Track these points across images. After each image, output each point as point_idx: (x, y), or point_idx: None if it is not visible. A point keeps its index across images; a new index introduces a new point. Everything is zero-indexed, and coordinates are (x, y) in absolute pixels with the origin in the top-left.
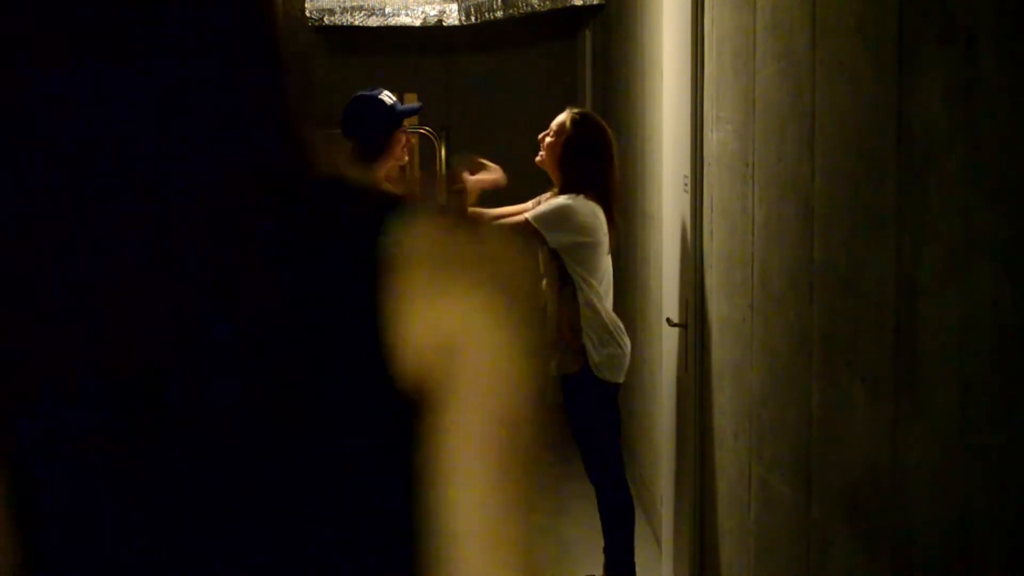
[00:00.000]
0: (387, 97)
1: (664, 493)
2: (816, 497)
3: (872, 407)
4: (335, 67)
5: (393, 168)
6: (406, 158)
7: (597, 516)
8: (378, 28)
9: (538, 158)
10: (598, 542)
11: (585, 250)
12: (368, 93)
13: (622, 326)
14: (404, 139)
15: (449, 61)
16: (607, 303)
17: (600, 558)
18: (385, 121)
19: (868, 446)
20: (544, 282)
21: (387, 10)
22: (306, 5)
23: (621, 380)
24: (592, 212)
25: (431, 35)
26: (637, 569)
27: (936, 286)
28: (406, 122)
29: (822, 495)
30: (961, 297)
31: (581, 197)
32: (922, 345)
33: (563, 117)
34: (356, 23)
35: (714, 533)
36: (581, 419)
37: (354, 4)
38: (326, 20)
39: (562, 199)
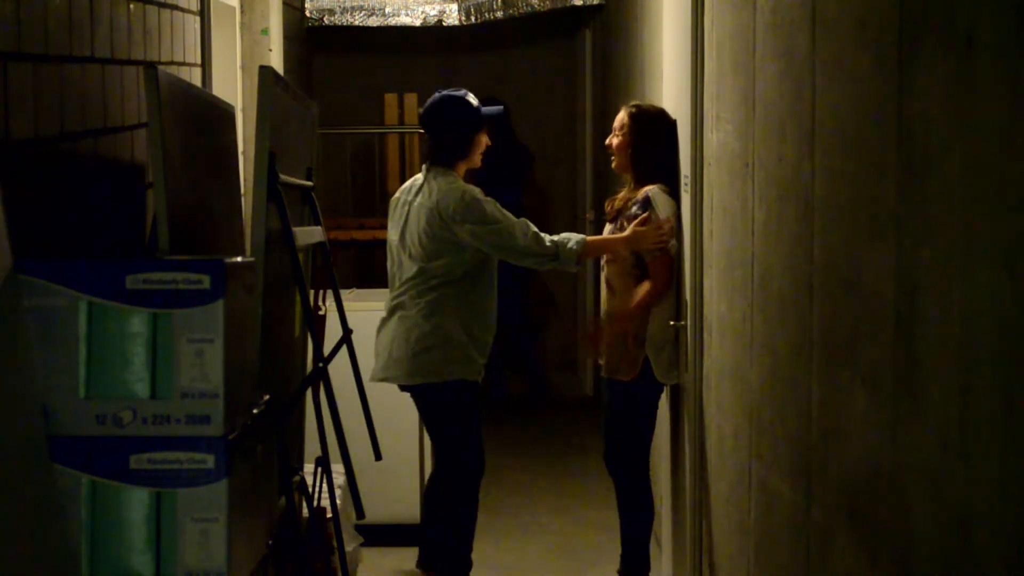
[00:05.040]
0: (472, 99)
1: (664, 493)
2: (816, 497)
3: (872, 407)
4: (335, 67)
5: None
6: (479, 163)
7: (603, 513)
8: (378, 28)
9: (613, 163)
10: (603, 539)
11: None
12: (456, 94)
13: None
14: (484, 141)
15: (449, 61)
16: (674, 303)
17: (608, 554)
18: (471, 123)
19: (868, 446)
20: (605, 288)
21: (387, 10)
22: (306, 5)
23: (675, 382)
24: (671, 207)
25: (431, 35)
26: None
27: (936, 286)
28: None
29: (822, 495)
30: (961, 297)
31: (658, 190)
32: (922, 345)
33: (622, 115)
34: (356, 23)
35: (714, 533)
36: (625, 420)
37: (354, 4)
38: (326, 20)
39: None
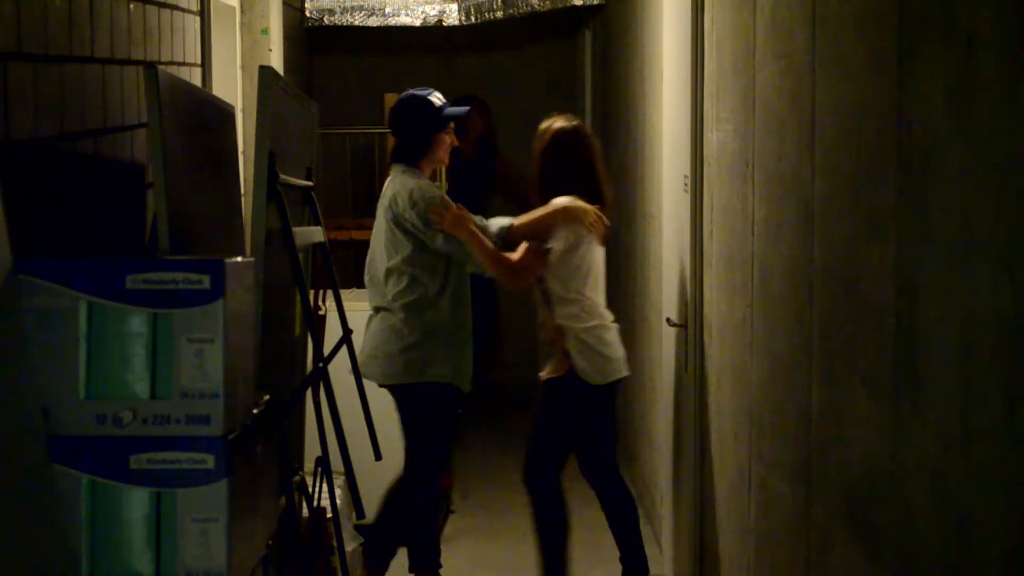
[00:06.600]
0: (436, 98)
1: (664, 493)
2: (816, 497)
3: (872, 407)
4: (335, 67)
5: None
6: (447, 160)
7: (602, 513)
8: (378, 28)
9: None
10: (603, 539)
11: (564, 259)
12: (418, 93)
13: (606, 326)
14: (448, 141)
15: (449, 61)
16: (591, 306)
17: (608, 554)
18: (432, 122)
19: (868, 446)
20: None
21: (387, 10)
22: (306, 5)
23: (609, 381)
24: (567, 217)
25: (431, 35)
26: None
27: (936, 286)
28: None
29: (822, 495)
30: (961, 297)
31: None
32: (922, 345)
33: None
34: (356, 23)
35: (714, 533)
36: (569, 422)
37: (354, 4)
38: (326, 20)
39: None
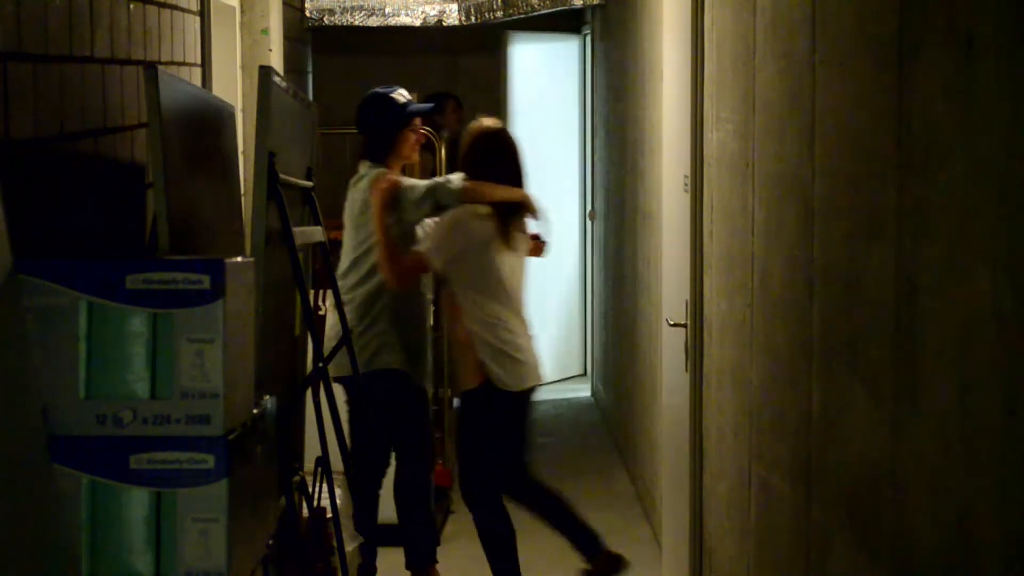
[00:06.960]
0: (400, 95)
1: (664, 493)
2: (816, 497)
3: (872, 407)
4: (335, 67)
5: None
6: (415, 157)
7: (601, 514)
8: (378, 28)
9: None
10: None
11: (458, 265)
12: (382, 91)
13: (517, 331)
14: (413, 138)
15: (449, 61)
16: (495, 315)
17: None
18: (396, 119)
19: (868, 446)
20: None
21: (387, 10)
22: (306, 5)
23: (525, 387)
24: (453, 222)
25: (431, 35)
26: (637, 568)
27: (936, 286)
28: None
29: (822, 495)
30: (961, 297)
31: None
32: (922, 345)
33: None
34: (356, 23)
35: (714, 533)
36: (494, 431)
37: (354, 4)
38: (326, 20)
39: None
